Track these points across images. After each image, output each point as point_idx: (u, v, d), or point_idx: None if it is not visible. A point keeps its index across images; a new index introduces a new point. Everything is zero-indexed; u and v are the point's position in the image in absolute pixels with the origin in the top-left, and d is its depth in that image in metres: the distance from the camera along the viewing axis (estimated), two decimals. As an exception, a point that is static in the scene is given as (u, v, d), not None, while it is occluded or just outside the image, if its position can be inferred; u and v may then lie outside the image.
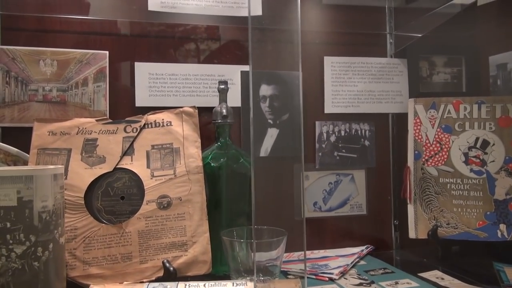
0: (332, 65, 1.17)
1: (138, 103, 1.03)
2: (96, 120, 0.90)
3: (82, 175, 0.83)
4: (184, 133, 0.89)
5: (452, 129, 1.11)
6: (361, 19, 1.20)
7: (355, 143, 1.18)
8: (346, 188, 1.17)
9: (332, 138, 1.16)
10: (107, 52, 1.01)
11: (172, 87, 1.06)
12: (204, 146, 0.91)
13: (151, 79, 1.05)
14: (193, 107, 0.92)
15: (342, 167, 1.17)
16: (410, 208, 1.10)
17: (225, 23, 1.11)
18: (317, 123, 1.15)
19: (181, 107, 0.93)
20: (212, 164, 0.91)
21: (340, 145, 1.17)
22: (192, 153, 0.87)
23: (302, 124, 1.12)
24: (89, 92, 0.99)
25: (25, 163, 0.86)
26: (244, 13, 1.11)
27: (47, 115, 0.97)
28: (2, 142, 0.97)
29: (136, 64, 1.04)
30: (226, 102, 0.94)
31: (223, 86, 0.94)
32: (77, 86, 0.99)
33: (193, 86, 1.07)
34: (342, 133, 1.17)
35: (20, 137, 0.91)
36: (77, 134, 0.87)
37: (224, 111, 0.91)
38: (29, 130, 0.88)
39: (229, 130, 0.95)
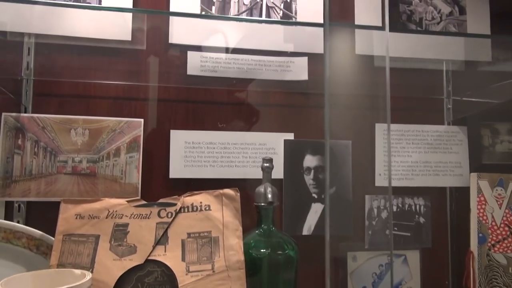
0: (384, 133, 1.06)
1: (172, 175, 0.95)
2: (128, 202, 0.81)
3: (110, 268, 0.74)
4: (224, 220, 0.79)
5: (523, 211, 0.98)
6: (416, 83, 1.09)
7: (409, 220, 1.05)
8: (398, 271, 1.04)
9: (384, 214, 1.04)
10: (142, 120, 0.94)
11: (209, 156, 0.97)
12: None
13: (187, 148, 0.96)
14: (235, 189, 0.82)
15: (395, 247, 1.04)
16: (475, 302, 0.96)
17: (269, 88, 1.02)
18: (367, 197, 1.04)
19: (221, 189, 0.83)
20: (253, 254, 0.80)
21: (392, 222, 1.04)
22: (233, 245, 0.77)
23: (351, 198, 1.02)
24: (121, 163, 0.92)
25: (49, 247, 0.78)
26: (289, 77, 1.03)
27: (75, 189, 0.89)
28: (27, 217, 0.90)
29: (172, 132, 0.96)
30: (270, 182, 0.84)
31: (267, 165, 0.85)
32: (109, 156, 0.92)
33: (232, 156, 0.98)
34: (395, 208, 1.05)
35: (46, 212, 0.83)
36: (106, 218, 0.79)
37: (270, 195, 0.81)
38: (56, 205, 0.80)
39: (273, 214, 0.84)
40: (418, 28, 1.09)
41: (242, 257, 0.76)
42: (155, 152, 0.95)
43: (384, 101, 1.08)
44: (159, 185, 0.94)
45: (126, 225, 0.78)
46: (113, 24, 0.94)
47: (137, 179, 0.92)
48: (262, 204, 0.83)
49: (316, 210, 1.00)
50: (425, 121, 1.08)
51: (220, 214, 0.80)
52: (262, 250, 0.80)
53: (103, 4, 0.94)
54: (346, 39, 1.07)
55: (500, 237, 0.98)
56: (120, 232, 0.78)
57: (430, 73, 1.11)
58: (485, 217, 1.00)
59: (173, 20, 0.98)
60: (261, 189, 0.84)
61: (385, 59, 1.08)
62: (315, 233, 0.99)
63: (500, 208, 0.99)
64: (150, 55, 0.97)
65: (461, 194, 1.07)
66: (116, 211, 0.80)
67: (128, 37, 0.95)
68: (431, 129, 1.08)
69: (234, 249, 0.76)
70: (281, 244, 0.82)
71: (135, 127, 0.93)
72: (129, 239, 0.77)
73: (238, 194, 0.82)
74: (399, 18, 1.09)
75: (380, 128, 1.06)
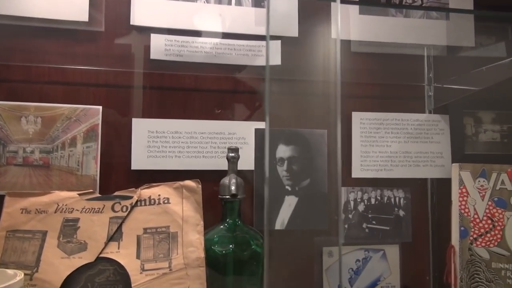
0: (361, 121, 1.00)
1: (135, 166, 0.88)
2: (79, 195, 0.74)
3: (57, 266, 0.68)
4: (184, 214, 0.73)
5: (506, 204, 0.93)
6: (395, 69, 1.04)
7: (387, 213, 1.00)
8: (376, 267, 0.99)
9: (361, 207, 0.99)
10: (100, 107, 0.87)
11: (175, 146, 0.91)
12: (207, 221, 0.75)
13: (150, 137, 0.90)
14: (196, 181, 0.76)
15: (372, 242, 0.99)
16: (456, 298, 0.91)
17: (238, 74, 0.96)
18: (343, 189, 0.98)
19: (181, 181, 0.77)
20: (216, 251, 0.74)
21: (370, 216, 0.99)
22: (193, 241, 0.71)
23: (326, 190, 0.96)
24: (77, 154, 0.85)
25: (-8, 245, 0.71)
26: (260, 62, 0.96)
27: (27, 181, 0.82)
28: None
29: (134, 120, 0.89)
30: (236, 173, 0.78)
31: (233, 154, 0.79)
32: (64, 147, 0.85)
33: (199, 145, 0.92)
34: (373, 201, 1.00)
35: (-7, 207, 0.76)
36: (55, 212, 0.72)
37: (233, 187, 0.75)
38: (3, 198, 0.74)
39: (238, 208, 0.78)
40: (398, 13, 1.04)
41: (202, 254, 0.70)
42: (115, 142, 0.89)
43: (361, 89, 1.03)
44: (120, 177, 0.88)
45: (77, 220, 0.72)
46: (68, 4, 0.87)
47: (95, 171, 0.85)
48: (227, 196, 0.77)
49: (290, 203, 0.95)
50: (405, 109, 1.03)
51: (179, 208, 0.74)
52: (226, 246, 0.74)
53: (57, -18, 0.87)
54: (322, 22, 1.01)
55: (482, 230, 0.93)
56: (69, 227, 0.71)
57: (410, 58, 1.05)
58: (467, 210, 0.95)
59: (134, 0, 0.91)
60: (225, 180, 0.78)
61: (361, 43, 1.02)
62: (289, 227, 0.94)
63: (482, 200, 0.94)
64: (109, 38, 0.90)
65: (443, 185, 1.01)
66: (66, 205, 0.73)
67: (85, 17, 0.88)
68: (411, 117, 1.02)
69: (194, 245, 0.71)
70: (246, 239, 0.77)
71: (93, 115, 0.86)
72: (79, 235, 0.71)
73: (200, 186, 0.76)
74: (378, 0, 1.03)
75: (357, 117, 1.00)
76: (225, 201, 0.78)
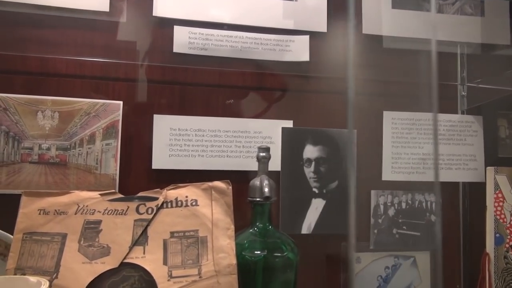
0: (393, 121, 0.95)
1: (156, 165, 0.83)
2: (101, 195, 0.69)
3: (78, 272, 0.63)
4: (214, 217, 0.68)
5: (545, 210, 0.89)
6: (428, 67, 0.99)
7: (419, 219, 0.95)
8: (406, 275, 0.94)
9: (391, 212, 0.94)
10: (121, 103, 0.82)
11: (198, 145, 0.86)
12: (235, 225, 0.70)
13: (172, 135, 0.85)
14: (226, 182, 0.71)
15: (402, 248, 0.94)
16: (492, 309, 0.87)
17: (265, 69, 0.91)
18: (372, 192, 0.94)
19: (210, 182, 0.72)
20: (247, 257, 0.69)
21: (400, 221, 0.94)
22: (223, 246, 0.66)
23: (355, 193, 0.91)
24: (96, 152, 0.80)
25: (7, 247, 0.66)
26: (288, 57, 0.92)
27: (42, 180, 0.78)
28: (-15, 212, 0.77)
29: (156, 116, 0.84)
30: (267, 174, 0.74)
31: (264, 154, 0.74)
32: (82, 143, 0.80)
33: (223, 144, 0.87)
34: (403, 205, 0.95)
35: (7, 207, 0.71)
36: (75, 213, 0.67)
37: (266, 188, 0.70)
38: (19, 198, 0.69)
39: (269, 211, 0.74)
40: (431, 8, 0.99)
41: (234, 261, 0.65)
42: (136, 140, 0.84)
43: (393, 87, 0.98)
44: (140, 176, 0.83)
45: (99, 222, 0.67)
46: (89, -8, 0.82)
47: (115, 170, 0.80)
48: (258, 199, 0.72)
49: (317, 206, 0.90)
50: (438, 109, 0.98)
51: (209, 210, 0.69)
52: (257, 252, 0.70)
53: (77, -32, 0.82)
54: (351, 16, 0.96)
55: (520, 237, 0.88)
56: (91, 230, 0.66)
57: (444, 56, 1.00)
58: (502, 216, 0.90)
59: (158, -11, 0.86)
60: (256, 182, 0.73)
61: (394, 39, 0.97)
62: (316, 232, 0.89)
63: (522, 207, 0.89)
64: (131, 29, 0.86)
65: (475, 190, 0.97)
66: (87, 206, 0.68)
67: (105, 7, 0.83)
68: (444, 118, 0.98)
69: (225, 251, 0.66)
70: (278, 245, 0.72)
71: (113, 110, 0.81)
72: (101, 238, 0.66)
73: (230, 187, 0.71)
74: (410, -5, 0.98)
75: (388, 116, 0.95)
76: (255, 204, 0.73)
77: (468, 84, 1.00)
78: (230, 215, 0.69)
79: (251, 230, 0.73)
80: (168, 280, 0.63)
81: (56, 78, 0.81)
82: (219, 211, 0.69)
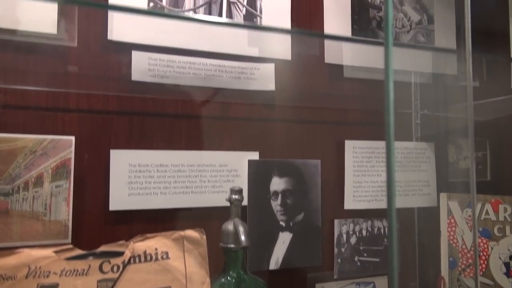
0: (354, 150, 0.96)
1: (113, 206, 0.76)
2: (56, 252, 0.61)
3: None
4: (187, 271, 0.63)
5: (491, 234, 0.95)
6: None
7: (378, 245, 0.98)
8: (367, 300, 0.96)
9: (353, 240, 0.95)
10: (72, 138, 0.73)
11: (160, 182, 0.80)
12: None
13: (132, 172, 0.78)
14: (200, 230, 0.67)
15: (363, 275, 0.96)
16: (448, 332, 0.92)
17: (230, 98, 0.87)
18: (335, 221, 0.94)
19: (182, 231, 0.67)
20: (221, 310, 0.65)
21: (361, 248, 0.96)
22: (199, 303, 0.62)
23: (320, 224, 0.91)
24: (44, 195, 0.71)
25: None
26: (254, 86, 0.88)
27: (-21, 231, 0.67)
28: None
29: (112, 152, 0.77)
30: (240, 217, 0.70)
31: (236, 197, 0.70)
32: (27, 187, 0.70)
33: (188, 180, 0.82)
34: (364, 232, 0.97)
35: None
36: (26, 277, 0.58)
37: (243, 236, 0.66)
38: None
39: (243, 257, 0.70)
40: (388, 36, 1.01)
41: (211, 319, 0.61)
42: (91, 179, 0.75)
43: (353, 115, 0.99)
44: (96, 221, 0.75)
45: (56, 286, 0.59)
46: (31, 11, 0.72)
47: (67, 215, 0.71)
48: (232, 246, 0.68)
49: (284, 240, 0.88)
50: (395, 137, 1.01)
51: (181, 264, 0.64)
52: (233, 304, 0.66)
53: (18, -15, 0.71)
54: (314, 45, 0.95)
55: (470, 260, 0.94)
56: (46, 296, 0.58)
57: (399, 85, 1.03)
58: (455, 240, 0.95)
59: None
60: (229, 226, 0.69)
61: (354, 69, 0.99)
62: (283, 267, 0.87)
63: (470, 231, 0.95)
64: (82, 54, 0.76)
65: (428, 215, 1.02)
66: (40, 267, 0.60)
67: (52, 29, 0.73)
68: (401, 145, 1.01)
69: (201, 309, 0.61)
70: (255, 294, 0.69)
71: (64, 147, 0.72)
72: (59, 305, 0.58)
73: (204, 236, 0.66)
74: (369, 24, 1.00)
75: (350, 146, 0.96)
76: (228, 251, 0.69)
77: (421, 112, 1.04)
78: (205, 267, 0.65)
79: (223, 279, 0.69)
80: None
81: (-7, 111, 0.70)
82: (193, 263, 0.64)
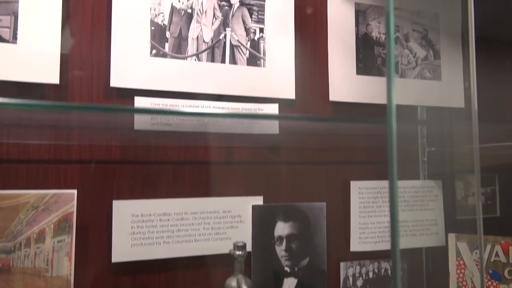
0: (359, 191, 0.95)
1: (116, 258, 0.75)
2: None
3: None
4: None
5: (501, 276, 0.93)
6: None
7: (385, 287, 0.96)
8: None
9: (359, 283, 0.94)
10: (74, 192, 0.72)
11: (164, 231, 0.79)
12: None
13: (134, 222, 0.77)
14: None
15: (370, 318, 0.94)
16: None
17: (234, 143, 0.86)
18: (341, 264, 0.93)
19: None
20: None
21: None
22: None
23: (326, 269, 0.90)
24: (46, 251, 0.70)
25: None
26: (257, 129, 0.87)
27: (-20, 290, 0.66)
28: None
29: (115, 203, 0.76)
30: (243, 273, 0.69)
31: (240, 253, 0.69)
32: (29, 243, 0.69)
33: (191, 228, 0.81)
34: (370, 275, 0.95)
35: None
36: None
37: (246, 295, 0.65)
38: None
39: (248, 314, 0.69)
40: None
41: None
42: (93, 232, 0.75)
43: (359, 154, 0.97)
44: (99, 274, 0.74)
45: None
46: (33, 62, 0.71)
47: (69, 270, 0.71)
48: (235, 304, 0.67)
49: (289, 285, 0.87)
50: (401, 175, 0.99)
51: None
52: None
53: (19, 39, 0.71)
54: (319, 83, 0.94)
55: (479, 304, 0.92)
56: None
57: (404, 122, 1.02)
58: (464, 283, 0.93)
59: (116, 57, 0.77)
60: (232, 283, 0.68)
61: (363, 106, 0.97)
62: (288, 314, 0.86)
63: (480, 273, 0.93)
64: (85, 104, 0.76)
65: (437, 254, 1.00)
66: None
67: (54, 79, 0.73)
68: (408, 184, 0.99)
69: None
70: None
71: (66, 201, 0.71)
72: None
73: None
74: (375, 62, 0.98)
75: (355, 186, 0.95)
76: (232, 308, 0.68)
77: (428, 149, 1.02)
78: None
79: (228, 336, 0.68)
80: None
81: (-5, 166, 0.70)
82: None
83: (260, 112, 0.88)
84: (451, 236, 0.95)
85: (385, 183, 0.97)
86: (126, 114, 0.77)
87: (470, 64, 0.70)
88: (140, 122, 0.79)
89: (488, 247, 0.95)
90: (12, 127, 0.71)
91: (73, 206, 0.72)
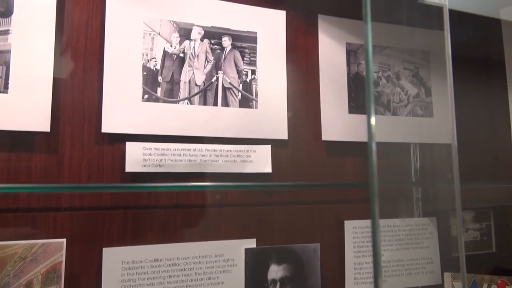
0: (354, 231, 0.94)
1: (105, 307, 0.73)
2: None
3: None
4: None
5: (499, 317, 0.92)
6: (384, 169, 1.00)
7: (382, 329, 0.94)
8: None
9: (355, 325, 0.92)
10: (63, 241, 0.71)
11: (155, 277, 0.78)
12: None
13: (125, 269, 0.76)
14: None
15: None
16: None
17: (226, 183, 0.86)
18: (337, 307, 0.91)
19: None
20: None
21: None
22: None
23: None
24: (33, 303, 0.68)
25: None
26: (250, 169, 0.87)
27: None
28: None
29: (105, 250, 0.75)
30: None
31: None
32: (16, 295, 0.68)
33: (182, 273, 0.80)
34: (367, 317, 0.93)
35: None
36: None
37: None
38: None
39: None
40: (386, 111, 1.01)
41: None
42: (82, 280, 0.73)
43: (353, 193, 0.97)
44: (87, 325, 0.72)
45: None
46: (23, 110, 0.71)
47: (57, 323, 0.69)
48: None
49: (283, 332, 0.85)
50: (394, 213, 0.99)
51: None
52: None
53: (10, 89, 0.71)
54: (311, 123, 0.94)
55: None
56: None
57: (399, 158, 1.02)
58: (461, 324, 0.92)
59: (107, 102, 0.77)
60: (224, 335, 0.66)
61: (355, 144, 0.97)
62: None
63: (473, 313, 0.92)
64: (74, 150, 0.76)
65: (433, 293, 0.98)
66: None
67: (46, 127, 0.73)
68: (402, 223, 0.99)
69: None
70: None
71: (55, 251, 0.70)
72: None
73: None
74: (367, 99, 0.99)
75: (349, 226, 0.94)
76: None
77: (422, 184, 1.02)
78: None
79: None
80: None
81: (-17, 215, 0.69)
82: None
83: (252, 153, 0.88)
84: (447, 276, 0.94)
85: (380, 222, 0.96)
86: (118, 156, 0.77)
87: (449, 100, 0.72)
88: (132, 163, 0.78)
89: (485, 286, 0.94)
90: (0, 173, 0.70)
91: (62, 256, 0.70)
